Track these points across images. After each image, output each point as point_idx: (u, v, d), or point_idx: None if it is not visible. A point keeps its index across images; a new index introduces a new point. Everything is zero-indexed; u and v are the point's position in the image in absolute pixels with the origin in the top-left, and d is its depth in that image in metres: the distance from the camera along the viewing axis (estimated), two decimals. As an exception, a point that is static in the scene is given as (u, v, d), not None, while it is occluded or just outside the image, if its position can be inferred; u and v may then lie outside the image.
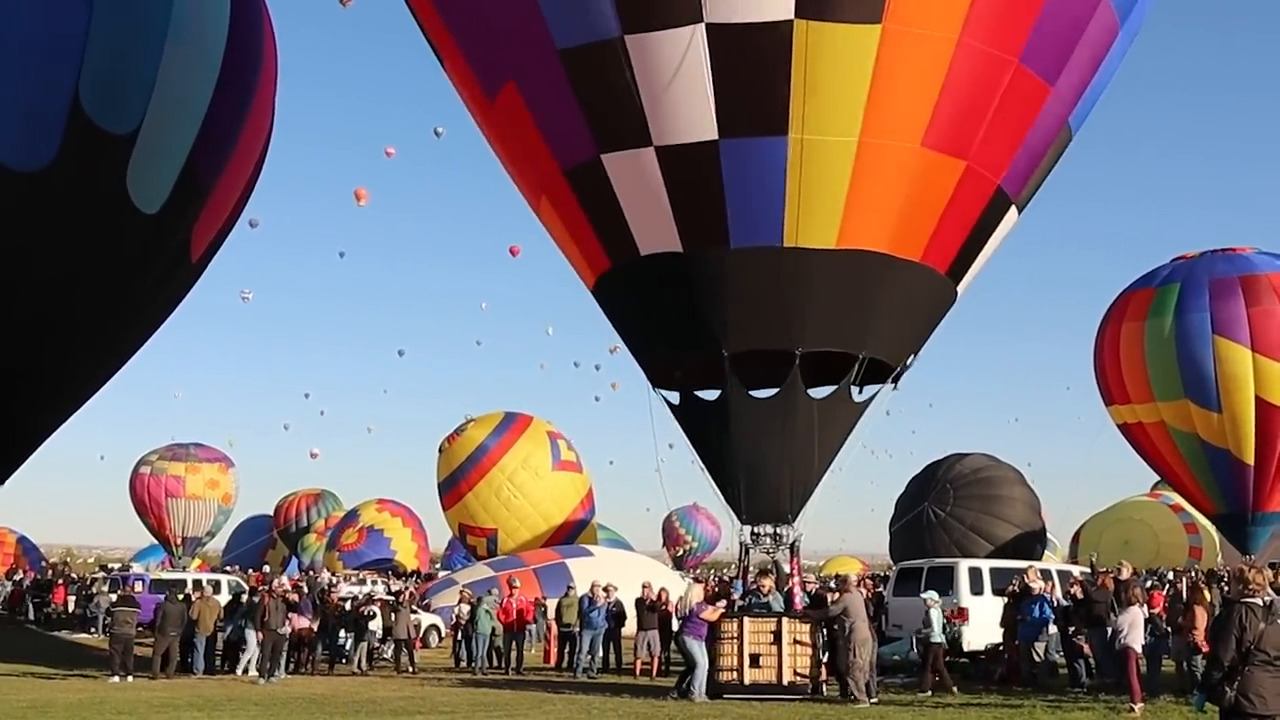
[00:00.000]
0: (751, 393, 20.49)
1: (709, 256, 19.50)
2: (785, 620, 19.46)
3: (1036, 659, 21.08)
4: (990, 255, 21.71)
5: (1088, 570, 27.47)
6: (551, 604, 29.00)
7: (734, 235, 19.18)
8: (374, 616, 27.26)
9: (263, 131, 22.36)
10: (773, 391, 20.46)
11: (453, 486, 49.07)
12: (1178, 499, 48.78)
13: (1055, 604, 21.15)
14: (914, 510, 34.75)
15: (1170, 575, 41.17)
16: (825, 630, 19.79)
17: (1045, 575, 22.68)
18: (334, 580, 42.70)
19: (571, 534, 48.26)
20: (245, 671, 24.69)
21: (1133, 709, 16.32)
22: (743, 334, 19.93)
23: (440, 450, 49.97)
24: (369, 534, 61.46)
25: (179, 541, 60.22)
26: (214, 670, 25.40)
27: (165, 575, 40.81)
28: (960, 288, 21.47)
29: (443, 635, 32.97)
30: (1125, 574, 21.29)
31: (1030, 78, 19.27)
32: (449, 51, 21.21)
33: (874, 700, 18.45)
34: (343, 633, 26.84)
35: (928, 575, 23.92)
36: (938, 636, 20.86)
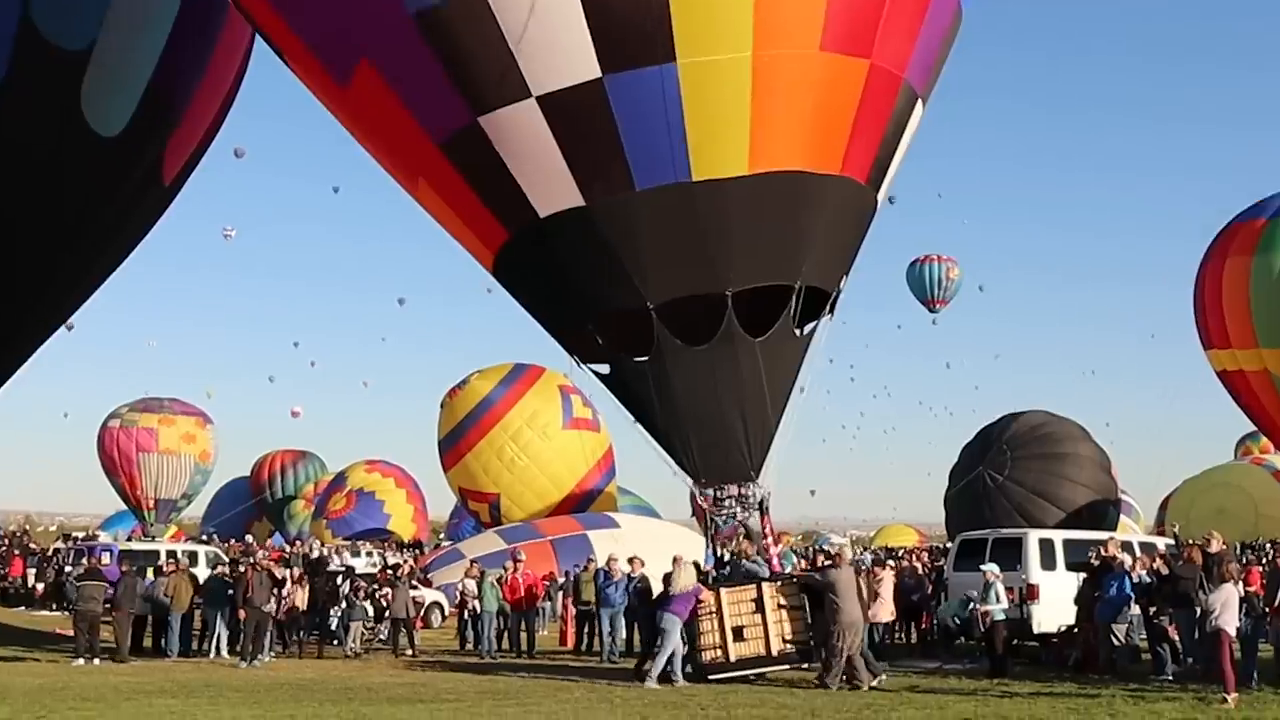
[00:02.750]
0: (687, 345, 20.50)
1: (615, 205, 19.51)
2: (765, 585, 19.60)
3: (1116, 642, 20.92)
4: (903, 158, 21.83)
5: (1171, 542, 27.27)
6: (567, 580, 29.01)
7: (638, 178, 19.17)
8: (361, 592, 27.26)
9: (238, 50, 22.24)
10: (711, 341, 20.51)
11: (453, 445, 48.99)
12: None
13: (1137, 580, 20.98)
14: (969, 475, 34.61)
15: (1269, 549, 40.90)
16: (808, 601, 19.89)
17: (1126, 548, 22.52)
18: (324, 551, 42.79)
19: (586, 500, 48.11)
20: (216, 654, 24.77)
21: (1225, 699, 16.14)
22: (666, 282, 20.00)
23: (442, 405, 49.96)
24: (358, 498, 61.20)
25: (151, 505, 59.94)
26: (190, 652, 25.49)
27: (135, 545, 41.00)
28: (880, 195, 21.59)
29: (446, 614, 33.05)
30: (1215, 546, 20.95)
31: None
32: (289, 44, 20.85)
33: (879, 680, 18.82)
34: (333, 611, 26.86)
35: (993, 548, 23.85)
36: (999, 615, 20.77)
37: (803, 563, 22.91)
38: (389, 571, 30.18)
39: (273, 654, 25.07)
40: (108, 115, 19.62)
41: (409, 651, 26.13)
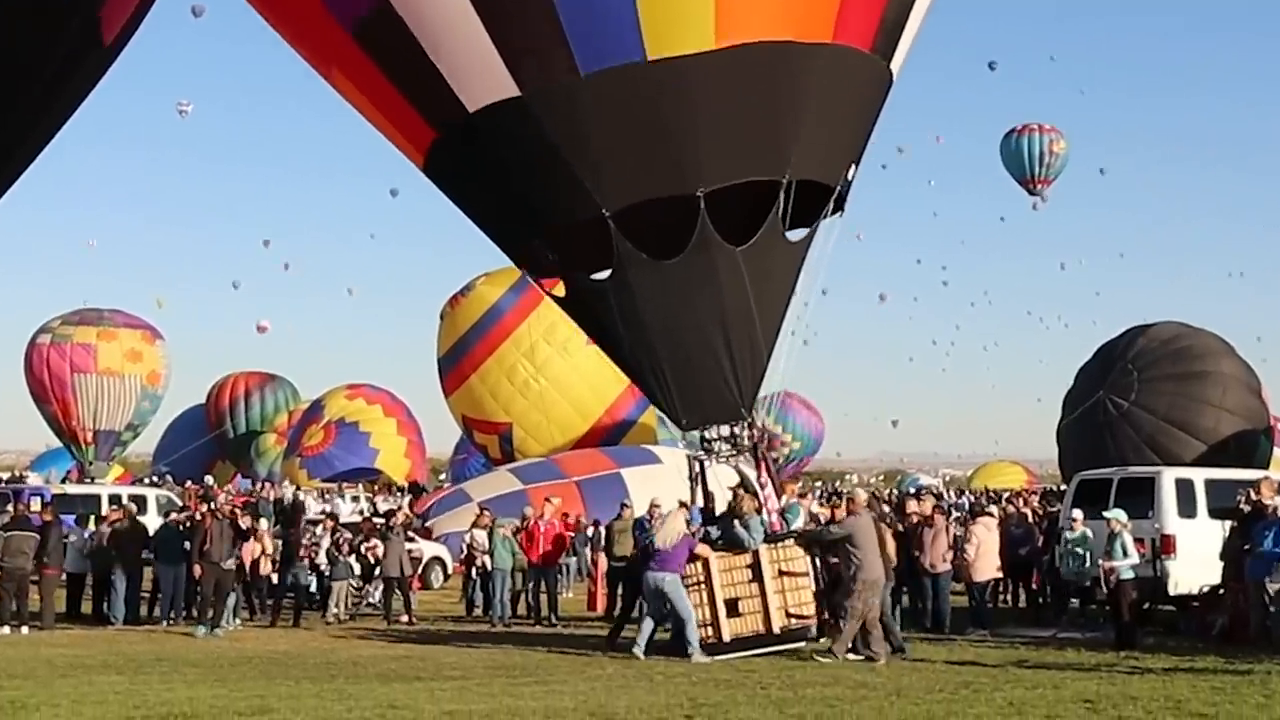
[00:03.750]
0: (655, 259, 20.52)
1: (555, 94, 19.51)
2: (764, 548, 19.60)
3: (1270, 606, 20.85)
4: (924, 18, 21.66)
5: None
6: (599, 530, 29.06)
7: (581, 60, 19.11)
8: (345, 546, 27.39)
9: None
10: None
11: (454, 365, 49.02)
12: None
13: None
14: (1087, 402, 34.50)
15: None
16: (822, 564, 19.99)
17: (1283, 490, 22.40)
18: (299, 496, 43.09)
19: (618, 432, 48.05)
20: (170, 620, 24.97)
21: None
22: (623, 184, 20.01)
23: (441, 316, 50.03)
24: (339, 430, 61.02)
25: (89, 439, 59.76)
26: (138, 619, 25.68)
27: (71, 489, 41.23)
28: (894, 66, 21.41)
29: (449, 572, 33.21)
30: (1385, 489, 20.90)
31: None
32: None
33: (902, 654, 19.09)
34: (311, 570, 26.97)
35: (1118, 490, 23.84)
36: (1127, 573, 20.69)
37: (824, 512, 22.75)
38: (378, 520, 30.33)
39: (238, 621, 25.23)
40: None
41: (404, 618, 26.30)
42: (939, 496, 42.55)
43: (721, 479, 22.61)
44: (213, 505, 28.82)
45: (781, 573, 19.47)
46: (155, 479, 56.47)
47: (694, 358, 20.64)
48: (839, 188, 21.24)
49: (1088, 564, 23.01)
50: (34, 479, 50.88)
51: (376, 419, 62.27)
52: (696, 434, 21.23)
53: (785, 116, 20.07)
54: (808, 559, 19.76)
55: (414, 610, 26.92)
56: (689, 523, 20.76)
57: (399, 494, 52.37)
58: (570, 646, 21.67)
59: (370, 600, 28.32)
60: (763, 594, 19.39)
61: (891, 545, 21.13)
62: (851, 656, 18.79)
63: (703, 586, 19.52)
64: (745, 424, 20.96)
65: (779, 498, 22.21)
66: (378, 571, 27.65)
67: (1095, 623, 23.20)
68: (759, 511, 20.44)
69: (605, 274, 20.82)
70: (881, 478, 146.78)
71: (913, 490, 53.07)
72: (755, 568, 19.49)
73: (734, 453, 21.07)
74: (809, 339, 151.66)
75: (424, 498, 45.34)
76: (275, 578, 26.61)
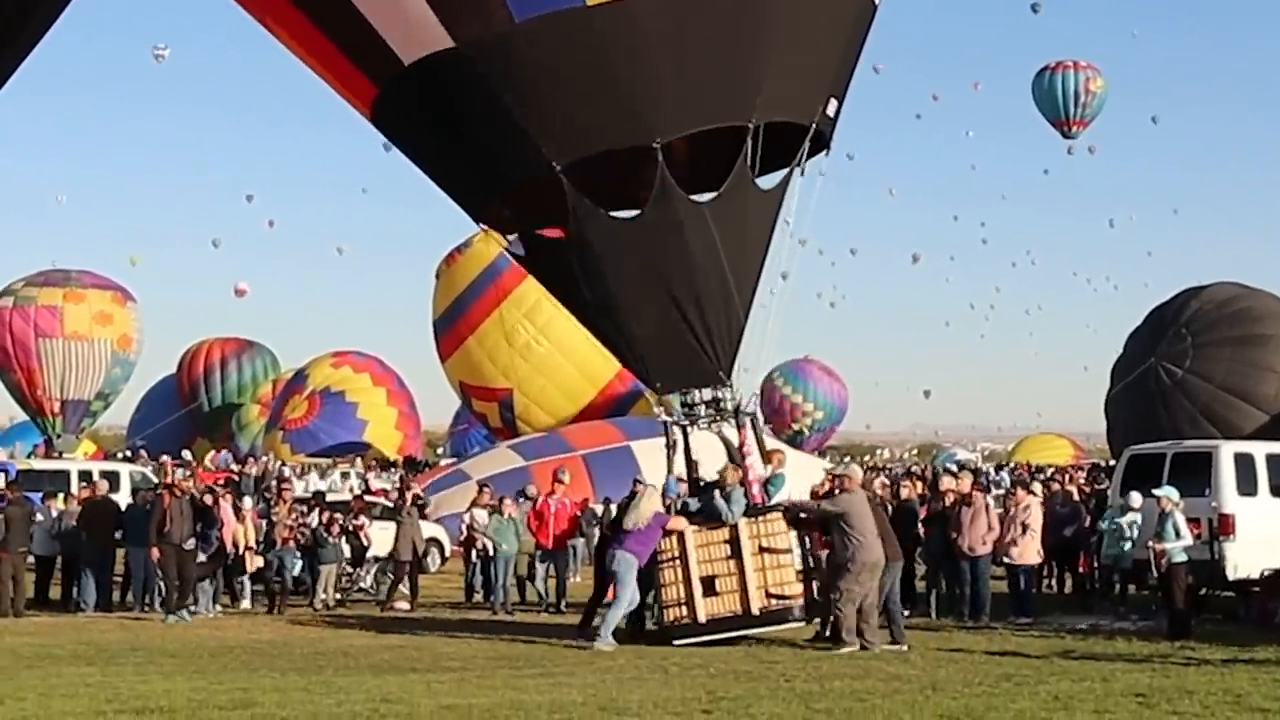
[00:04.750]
0: (615, 214, 20.75)
1: (490, 44, 19.62)
2: (744, 523, 19.59)
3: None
4: None
5: None
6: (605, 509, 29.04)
7: (515, 7, 19.17)
8: (335, 526, 27.40)
9: None
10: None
11: (451, 326, 49.03)
12: None
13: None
14: (1138, 370, 34.49)
15: None
16: (812, 543, 20.00)
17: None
18: (284, 471, 43.12)
19: (629, 400, 47.89)
20: (143, 607, 25.02)
21: None
22: (572, 136, 20.12)
23: (437, 275, 50.02)
24: (324, 401, 61.08)
25: (56, 409, 59.70)
26: (110, 605, 25.75)
27: (38, 465, 41.28)
28: None
29: (447, 554, 33.25)
30: None
31: None
32: None
33: (903, 645, 19.18)
34: (297, 554, 26.94)
35: (1172, 465, 23.81)
36: (1181, 556, 20.67)
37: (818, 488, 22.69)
38: (365, 499, 30.36)
39: (218, 608, 25.26)
40: None
41: (403, 604, 26.34)
42: (976, 473, 42.52)
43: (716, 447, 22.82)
44: (166, 481, 28.82)
45: (762, 549, 19.46)
46: (129, 454, 56.20)
47: (663, 319, 20.74)
48: (814, 126, 21.05)
49: (1130, 547, 23.03)
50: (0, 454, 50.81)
51: (364, 388, 62.29)
52: (675, 399, 21.31)
53: (747, 54, 20.06)
54: (791, 534, 19.69)
55: (417, 595, 27.08)
56: (664, 495, 20.96)
57: (391, 469, 52.33)
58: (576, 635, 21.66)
59: (362, 585, 28.35)
60: (741, 572, 19.40)
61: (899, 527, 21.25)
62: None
63: (677, 563, 19.62)
64: (726, 388, 20.98)
65: (764, 467, 22.27)
66: (368, 554, 27.66)
67: (1148, 611, 23.16)
68: (742, 483, 20.43)
69: (561, 232, 21.03)
70: (915, 452, 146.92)
71: (949, 466, 53.00)
72: (734, 543, 19.51)
73: (716, 418, 21.04)
74: (836, 301, 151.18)
75: (424, 474, 45.31)
76: (260, 561, 26.57)
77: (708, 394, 20.99)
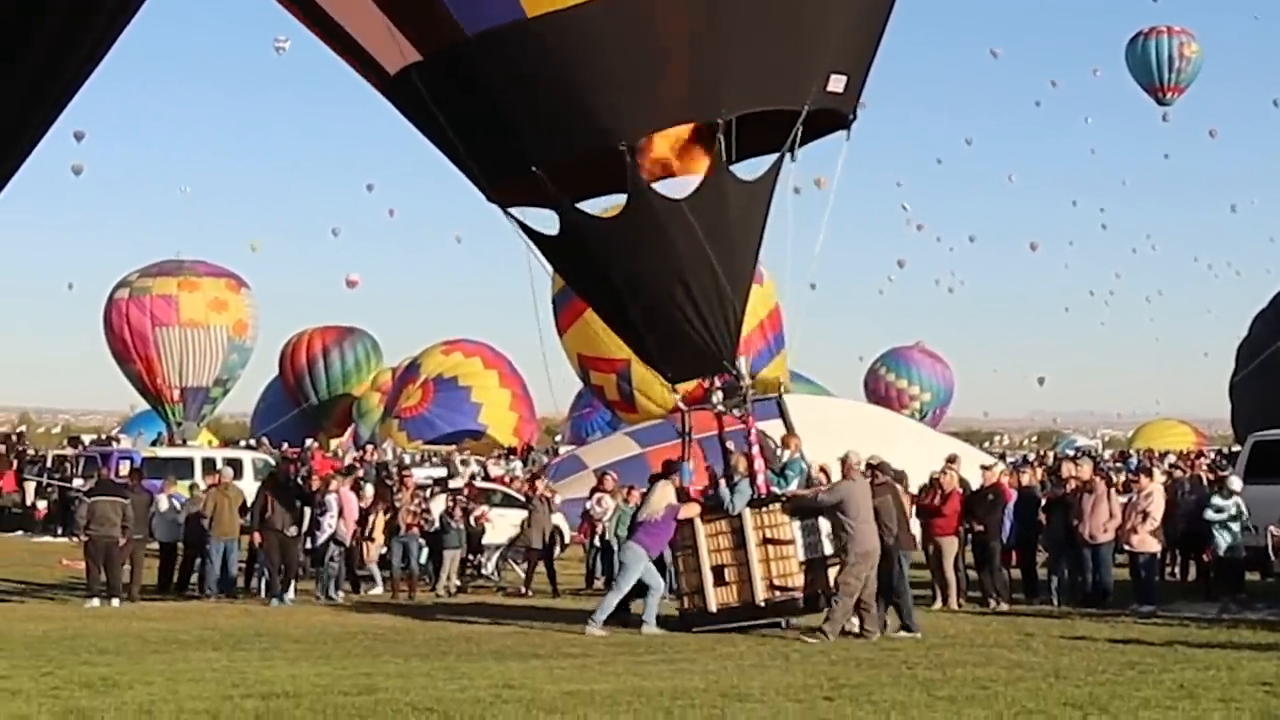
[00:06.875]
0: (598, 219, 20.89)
1: (450, 58, 19.64)
2: (748, 513, 19.51)
3: None
4: None
5: None
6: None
7: (463, 21, 19.05)
8: (457, 512, 27.54)
9: None
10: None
11: (569, 299, 48.96)
12: None
13: None
14: (1266, 351, 34.13)
15: None
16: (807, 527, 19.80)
17: None
18: (404, 459, 43.26)
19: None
20: (268, 594, 25.27)
21: None
22: (539, 141, 19.98)
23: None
24: (437, 388, 61.15)
25: (176, 396, 60.16)
26: (233, 590, 26.09)
27: (162, 452, 41.68)
28: None
29: (567, 542, 33.32)
30: None
31: None
32: None
33: (916, 633, 19.18)
34: (421, 541, 27.11)
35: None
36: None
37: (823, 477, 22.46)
38: (478, 485, 30.50)
39: (340, 594, 25.53)
40: None
41: (523, 590, 26.64)
42: (1096, 460, 42.15)
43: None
44: (273, 470, 29.12)
45: (766, 540, 19.38)
46: (253, 443, 56.52)
47: (660, 313, 20.71)
48: (808, 107, 20.09)
49: (1238, 537, 22.77)
50: (125, 441, 51.19)
51: (476, 372, 62.41)
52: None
53: (709, 47, 19.47)
54: (794, 525, 19.59)
55: (532, 585, 27.31)
56: (679, 477, 21.00)
57: (508, 457, 52.28)
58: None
59: (484, 572, 28.50)
60: (747, 563, 19.37)
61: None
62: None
63: (690, 552, 19.73)
64: (737, 375, 20.90)
65: (779, 453, 22.37)
66: (485, 540, 27.82)
67: (1273, 599, 22.90)
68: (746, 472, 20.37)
69: (556, 230, 20.95)
70: (1034, 439, 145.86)
71: (1070, 453, 52.58)
72: (739, 534, 19.49)
73: (736, 405, 20.88)
74: (954, 287, 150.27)
75: (540, 462, 45.32)
76: (384, 548, 26.80)
77: (715, 382, 20.95)
